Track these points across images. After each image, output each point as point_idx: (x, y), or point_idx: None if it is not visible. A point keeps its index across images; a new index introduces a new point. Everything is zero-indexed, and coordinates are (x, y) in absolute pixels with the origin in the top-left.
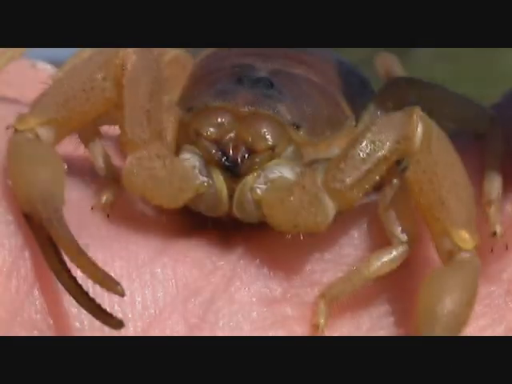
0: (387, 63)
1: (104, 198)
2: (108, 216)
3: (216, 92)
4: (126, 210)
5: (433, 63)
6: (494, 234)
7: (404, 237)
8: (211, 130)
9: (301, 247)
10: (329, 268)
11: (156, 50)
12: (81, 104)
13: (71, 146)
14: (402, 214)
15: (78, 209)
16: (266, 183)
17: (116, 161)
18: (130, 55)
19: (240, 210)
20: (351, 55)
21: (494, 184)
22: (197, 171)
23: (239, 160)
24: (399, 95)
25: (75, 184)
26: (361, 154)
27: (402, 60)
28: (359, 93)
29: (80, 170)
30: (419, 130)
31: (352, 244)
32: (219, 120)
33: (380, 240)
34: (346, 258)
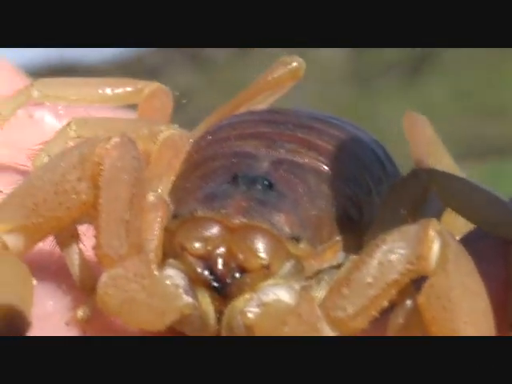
0: (415, 124)
1: (80, 313)
2: (85, 332)
3: (204, 197)
4: (106, 323)
5: (461, 68)
6: None
7: None
8: (197, 244)
9: None
10: None
11: (147, 130)
12: (53, 208)
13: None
14: None
15: (54, 321)
16: (258, 306)
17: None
18: (109, 151)
19: (229, 334)
20: None
21: None
22: (181, 291)
23: (229, 280)
24: (418, 188)
25: (52, 291)
26: (367, 278)
27: (429, 64)
28: (375, 177)
29: (59, 275)
30: (435, 248)
31: None
32: (207, 233)
33: None
34: None
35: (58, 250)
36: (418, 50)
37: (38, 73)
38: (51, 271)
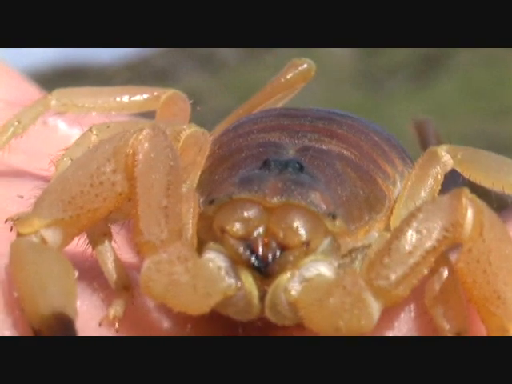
0: (423, 127)
1: (112, 313)
2: (117, 332)
3: (240, 181)
4: (139, 319)
5: (472, 68)
6: None
7: (454, 329)
8: (237, 226)
9: None
10: None
11: (169, 129)
12: (89, 201)
13: (79, 246)
14: (452, 306)
15: (83, 321)
16: (301, 283)
17: (128, 256)
18: (142, 143)
19: (273, 312)
20: None
21: None
22: (223, 273)
23: (270, 259)
24: (437, 165)
25: (81, 291)
26: (406, 246)
27: (442, 65)
28: (396, 163)
29: (87, 274)
30: (469, 214)
31: (392, 327)
32: (246, 214)
33: (422, 322)
34: None
35: (88, 250)
36: (428, 50)
37: (46, 74)
38: (81, 271)
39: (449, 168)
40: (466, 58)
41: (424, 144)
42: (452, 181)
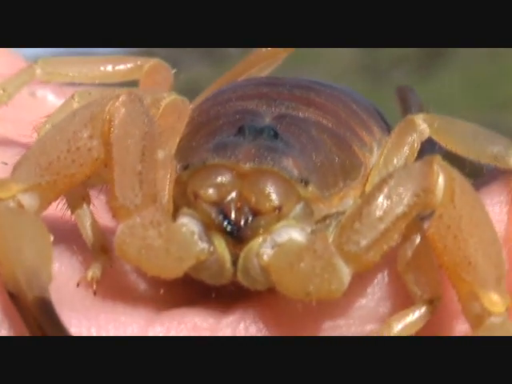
0: (406, 95)
1: (90, 274)
2: (95, 293)
3: (215, 147)
4: (116, 280)
5: (474, 60)
6: None
7: (427, 295)
8: (210, 190)
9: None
10: (341, 323)
11: (150, 97)
12: (66, 166)
13: (58, 210)
14: (424, 271)
15: (61, 282)
16: (273, 247)
17: (107, 220)
18: (118, 109)
19: (246, 277)
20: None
21: None
22: (196, 237)
23: (242, 223)
24: (414, 133)
25: (60, 253)
26: (377, 212)
27: (442, 61)
28: (374, 132)
29: (66, 237)
30: (440, 181)
31: (365, 293)
32: (219, 179)
33: (396, 288)
34: (359, 310)
35: (67, 213)
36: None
37: None
38: (60, 234)
39: (425, 136)
40: (469, 50)
41: (405, 113)
42: (430, 149)
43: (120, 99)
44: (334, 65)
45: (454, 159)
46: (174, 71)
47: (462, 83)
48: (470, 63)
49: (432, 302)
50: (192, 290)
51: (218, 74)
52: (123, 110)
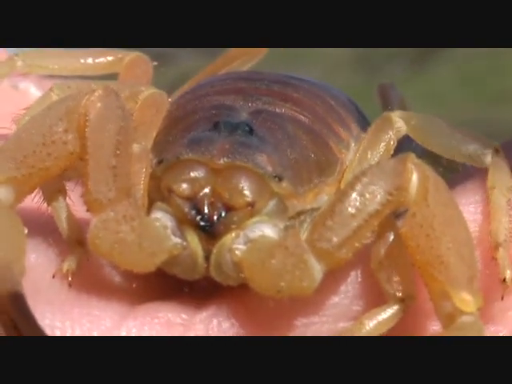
0: (387, 92)
1: (65, 266)
2: (70, 285)
3: (189, 142)
4: (91, 274)
5: (470, 54)
6: (504, 280)
7: (399, 293)
8: (184, 186)
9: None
10: (314, 321)
11: (128, 91)
12: (41, 160)
13: (34, 202)
14: (398, 270)
15: (37, 273)
16: (245, 243)
17: (83, 213)
18: (94, 103)
19: (218, 272)
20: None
21: (502, 224)
22: (169, 232)
23: (215, 219)
24: (390, 130)
25: (36, 245)
26: (350, 209)
27: (440, 50)
28: (351, 128)
29: (43, 229)
30: (414, 179)
31: (338, 291)
32: (192, 174)
33: (370, 286)
34: (333, 308)
35: (44, 205)
36: None
37: None
38: (36, 226)
39: (402, 134)
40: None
41: (386, 109)
42: (407, 146)
43: (96, 94)
44: (325, 59)
45: (431, 156)
46: (154, 64)
47: (456, 78)
48: (463, 58)
49: (404, 301)
50: (166, 284)
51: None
52: (99, 105)
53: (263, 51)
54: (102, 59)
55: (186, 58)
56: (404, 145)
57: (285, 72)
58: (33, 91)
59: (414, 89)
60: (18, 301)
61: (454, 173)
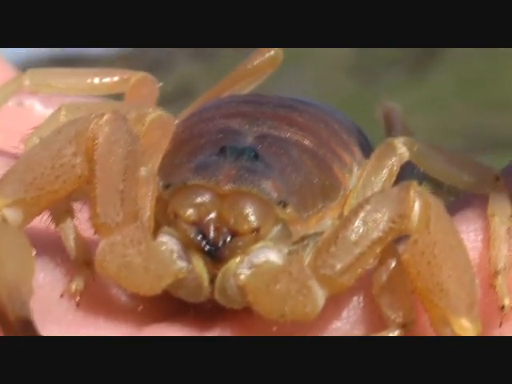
0: (389, 113)
1: (74, 286)
2: (78, 305)
3: (196, 167)
4: (98, 294)
5: (469, 59)
6: (503, 307)
7: (400, 319)
8: (190, 211)
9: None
10: None
11: (135, 113)
12: (50, 182)
13: (42, 222)
14: (399, 295)
15: (45, 292)
16: (250, 268)
17: (91, 233)
18: (102, 127)
19: (223, 296)
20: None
21: (501, 252)
22: (175, 256)
23: (221, 244)
24: (394, 157)
25: (44, 265)
26: (353, 236)
27: (438, 56)
28: (355, 152)
29: (51, 249)
30: (416, 207)
31: (341, 316)
32: (198, 200)
33: (371, 311)
34: (335, 333)
35: (52, 226)
36: None
37: (42, 61)
38: (44, 246)
39: (405, 160)
40: (463, 49)
41: (389, 133)
42: (410, 171)
43: (104, 118)
44: (321, 65)
45: (433, 180)
46: (160, 84)
47: (454, 84)
48: (461, 63)
49: (405, 326)
50: (171, 306)
51: (209, 72)
52: (107, 129)
53: (267, 72)
54: (108, 79)
55: (181, 63)
56: (406, 169)
57: (284, 72)
58: (38, 108)
59: (412, 94)
60: (26, 324)
61: (455, 197)
